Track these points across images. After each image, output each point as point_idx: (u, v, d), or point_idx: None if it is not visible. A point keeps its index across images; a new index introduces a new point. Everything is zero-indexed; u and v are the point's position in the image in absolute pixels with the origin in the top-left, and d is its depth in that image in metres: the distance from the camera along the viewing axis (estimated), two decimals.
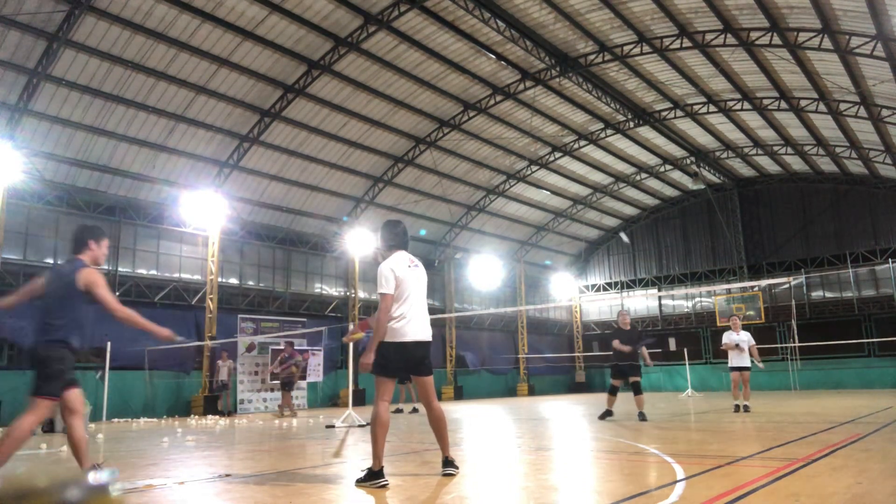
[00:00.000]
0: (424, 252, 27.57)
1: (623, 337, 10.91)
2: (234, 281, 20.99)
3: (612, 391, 10.91)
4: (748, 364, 12.09)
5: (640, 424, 9.43)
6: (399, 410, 15.14)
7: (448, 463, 4.78)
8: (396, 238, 4.98)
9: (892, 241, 25.93)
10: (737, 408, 11.88)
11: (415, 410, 15.00)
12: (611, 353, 11.11)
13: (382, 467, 4.46)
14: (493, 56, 18.72)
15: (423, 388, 4.87)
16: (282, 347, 17.13)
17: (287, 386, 16.19)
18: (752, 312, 26.46)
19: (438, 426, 4.84)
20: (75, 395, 4.43)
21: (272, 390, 18.83)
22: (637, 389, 10.62)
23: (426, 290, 4.91)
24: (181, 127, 17.90)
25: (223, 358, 17.17)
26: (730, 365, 12.25)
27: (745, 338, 12.13)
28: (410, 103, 20.28)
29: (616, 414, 10.96)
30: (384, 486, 4.36)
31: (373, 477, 4.43)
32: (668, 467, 4.89)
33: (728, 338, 12.26)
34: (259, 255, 21.84)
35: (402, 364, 4.74)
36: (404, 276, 4.76)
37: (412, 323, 4.71)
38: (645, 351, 11.14)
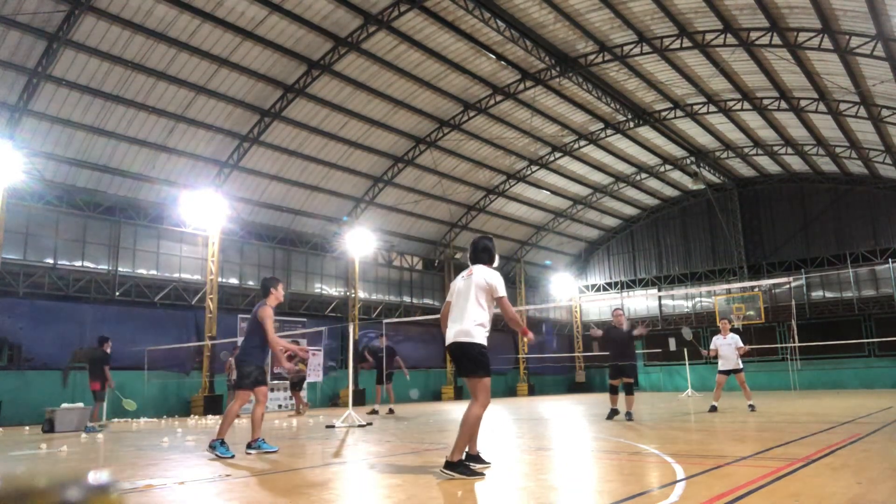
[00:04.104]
0: (424, 252, 27.58)
1: (617, 335, 10.89)
2: (234, 281, 20.99)
3: (613, 390, 10.88)
4: (732, 367, 12.32)
5: (640, 424, 9.43)
6: (374, 412, 14.90)
7: (447, 465, 4.66)
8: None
9: (892, 241, 25.92)
10: (712, 408, 12.01)
11: (376, 412, 14.76)
12: (608, 353, 11.08)
13: (473, 455, 4.92)
14: (493, 56, 18.72)
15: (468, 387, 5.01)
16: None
17: (296, 385, 16.24)
18: (752, 312, 26.45)
19: (461, 425, 4.78)
20: (262, 391, 6.86)
21: (273, 390, 18.81)
22: (629, 390, 10.60)
23: (471, 299, 4.99)
24: (181, 127, 17.90)
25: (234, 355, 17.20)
26: (718, 368, 12.61)
27: (730, 341, 12.31)
28: (410, 103, 20.28)
29: (618, 415, 10.90)
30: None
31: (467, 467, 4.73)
32: (668, 467, 4.89)
33: (712, 343, 12.67)
34: (259, 255, 21.85)
35: (455, 364, 5.10)
36: (454, 288, 5.26)
37: (449, 328, 5.10)
38: (640, 330, 11.03)
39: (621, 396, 10.74)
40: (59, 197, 17.02)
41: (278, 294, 7.10)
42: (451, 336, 5.00)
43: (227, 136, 18.86)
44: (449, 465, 4.61)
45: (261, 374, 6.86)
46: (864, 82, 17.88)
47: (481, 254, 5.29)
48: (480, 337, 4.91)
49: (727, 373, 12.37)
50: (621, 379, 10.75)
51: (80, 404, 12.16)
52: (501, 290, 5.03)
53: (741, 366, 12.40)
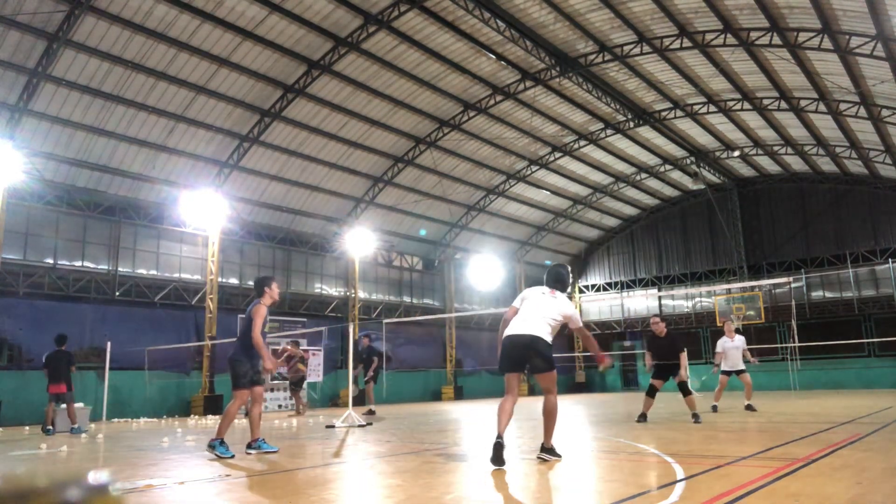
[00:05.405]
0: (424, 252, 27.58)
1: (663, 348, 10.17)
2: (234, 281, 20.99)
3: (651, 392, 10.12)
4: (736, 367, 12.32)
5: (640, 424, 9.40)
6: (371, 412, 14.76)
7: (543, 449, 5.50)
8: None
9: (892, 241, 25.92)
10: (713, 408, 11.98)
11: (373, 412, 14.60)
12: (647, 351, 10.53)
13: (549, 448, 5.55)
14: (493, 56, 18.72)
15: (539, 382, 5.61)
16: (282, 347, 16.93)
17: (296, 386, 16.16)
18: (752, 312, 26.44)
19: (545, 416, 5.54)
20: (258, 390, 6.84)
21: (272, 390, 18.81)
22: (685, 390, 9.88)
23: (546, 311, 5.67)
24: (181, 127, 17.91)
25: None
26: (721, 368, 12.57)
27: (738, 343, 12.37)
28: (410, 103, 20.28)
29: (618, 414, 10.88)
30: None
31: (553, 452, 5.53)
32: (668, 467, 4.89)
33: (719, 346, 12.66)
34: (259, 255, 21.85)
35: (506, 358, 5.57)
36: (528, 296, 5.92)
37: (519, 326, 5.62)
38: (684, 359, 10.34)
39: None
40: (59, 197, 17.02)
41: (273, 293, 7.03)
42: (523, 330, 5.52)
43: (227, 136, 18.86)
44: (545, 449, 5.52)
45: (256, 374, 6.80)
46: (864, 82, 17.88)
47: (556, 283, 5.96)
48: (550, 341, 5.61)
49: (729, 373, 12.39)
50: (664, 380, 10.14)
51: (81, 404, 12.16)
52: (579, 321, 5.87)
53: (744, 366, 12.41)
